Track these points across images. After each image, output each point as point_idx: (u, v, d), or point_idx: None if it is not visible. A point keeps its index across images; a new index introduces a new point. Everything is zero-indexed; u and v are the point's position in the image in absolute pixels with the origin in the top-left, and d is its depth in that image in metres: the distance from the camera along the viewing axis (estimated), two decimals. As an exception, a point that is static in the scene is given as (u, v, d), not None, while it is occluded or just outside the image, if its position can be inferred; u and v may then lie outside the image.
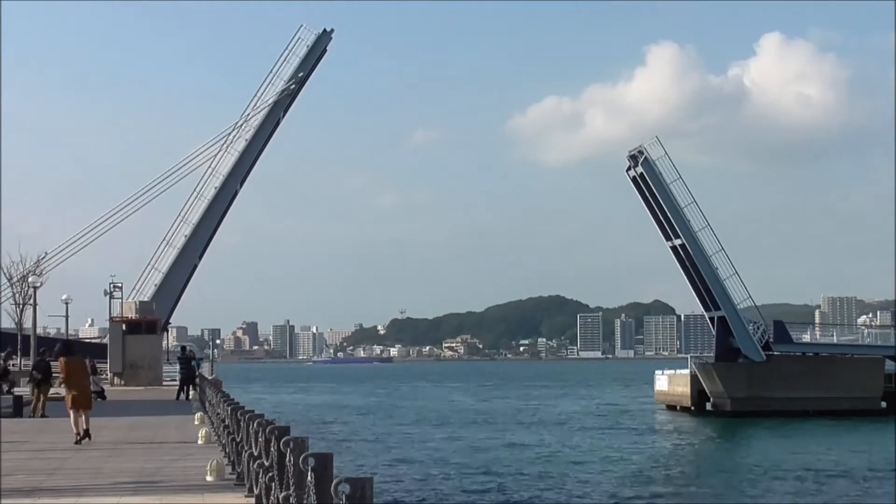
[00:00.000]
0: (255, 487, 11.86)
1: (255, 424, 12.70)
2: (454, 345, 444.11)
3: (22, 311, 61.57)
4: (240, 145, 68.49)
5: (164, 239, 67.19)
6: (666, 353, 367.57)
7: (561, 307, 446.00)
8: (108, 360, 60.31)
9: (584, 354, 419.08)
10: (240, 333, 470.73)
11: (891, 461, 40.95)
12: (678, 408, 71.74)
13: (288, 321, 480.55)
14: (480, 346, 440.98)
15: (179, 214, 67.26)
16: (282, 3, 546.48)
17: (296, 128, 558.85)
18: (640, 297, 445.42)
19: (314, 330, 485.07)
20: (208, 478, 15.08)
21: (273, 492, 10.04)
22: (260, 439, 11.81)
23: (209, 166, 67.64)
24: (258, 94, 68.80)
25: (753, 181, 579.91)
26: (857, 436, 53.88)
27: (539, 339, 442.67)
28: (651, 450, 48.75)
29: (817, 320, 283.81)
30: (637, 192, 69.20)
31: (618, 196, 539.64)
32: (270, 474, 10.34)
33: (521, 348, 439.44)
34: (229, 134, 68.44)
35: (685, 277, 70.58)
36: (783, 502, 32.47)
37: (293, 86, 69.12)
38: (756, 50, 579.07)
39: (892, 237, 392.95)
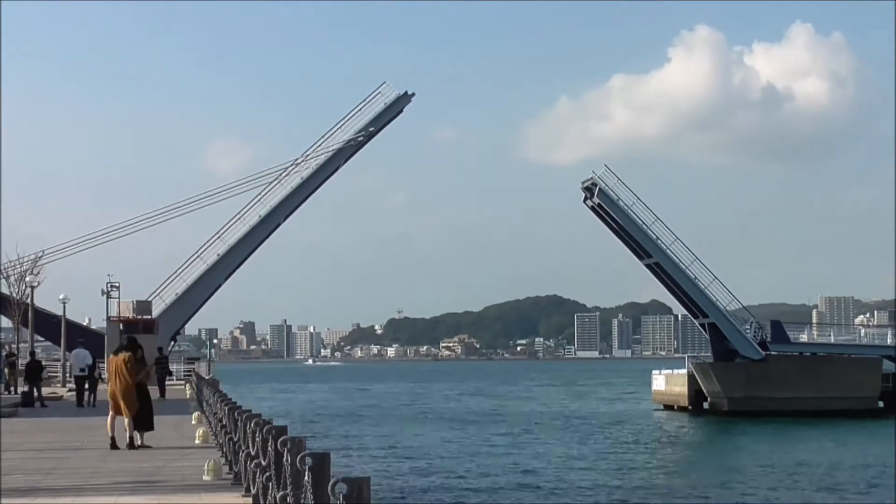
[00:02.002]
0: (252, 487, 11.87)
1: (252, 424, 12.71)
2: (451, 344, 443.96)
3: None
4: (294, 180, 68.52)
5: (196, 252, 67.56)
6: (663, 353, 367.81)
7: (558, 307, 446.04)
8: (106, 359, 60.31)
9: (581, 354, 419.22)
10: (237, 333, 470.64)
11: (889, 461, 40.97)
12: (675, 407, 71.82)
13: (285, 321, 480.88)
14: (478, 346, 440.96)
15: (218, 233, 67.63)
16: (284, 3, 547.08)
17: (298, 128, 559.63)
18: (638, 297, 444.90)
19: (311, 330, 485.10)
20: (205, 477, 15.09)
21: (270, 491, 10.05)
22: (257, 439, 11.82)
23: (259, 194, 67.90)
24: (325, 136, 68.92)
25: (753, 180, 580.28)
26: (855, 436, 53.92)
27: (536, 339, 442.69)
28: (647, 449, 48.76)
29: (815, 320, 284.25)
30: (599, 220, 69.10)
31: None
32: (267, 474, 10.35)
33: (519, 348, 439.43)
34: (286, 168, 68.69)
35: (668, 291, 71.06)
36: (781, 502, 32.49)
37: (361, 138, 69.02)
38: (762, 46, 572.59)
39: (891, 237, 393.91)
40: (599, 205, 66.89)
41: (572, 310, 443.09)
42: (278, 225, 69.15)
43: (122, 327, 59.64)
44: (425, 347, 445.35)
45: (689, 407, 69.36)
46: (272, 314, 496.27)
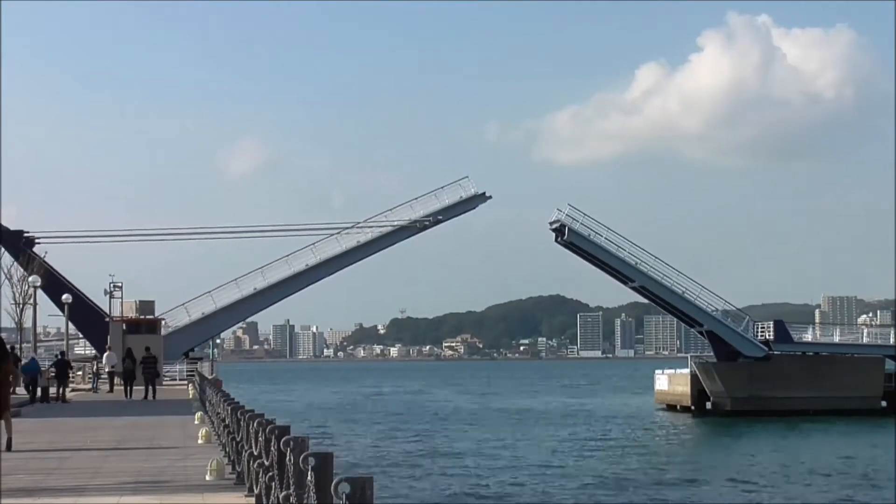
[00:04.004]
0: (255, 487, 11.86)
1: (255, 424, 12.70)
2: (454, 344, 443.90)
3: (22, 310, 61.64)
4: (349, 241, 68.43)
5: (235, 279, 68.05)
6: (666, 353, 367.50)
7: (561, 306, 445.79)
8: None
9: (584, 354, 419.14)
10: (240, 333, 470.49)
11: (891, 461, 40.95)
12: (678, 407, 71.80)
13: (288, 321, 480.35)
14: (480, 346, 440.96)
15: (261, 268, 68.01)
16: (289, 3, 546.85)
17: (310, 129, 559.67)
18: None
19: (314, 329, 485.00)
20: (208, 477, 15.08)
21: (273, 491, 10.04)
22: (260, 439, 11.80)
23: (312, 244, 67.98)
24: (393, 209, 69.02)
25: (756, 179, 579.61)
26: (858, 435, 53.93)
27: (539, 339, 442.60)
28: (650, 449, 48.74)
29: (818, 320, 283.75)
30: (575, 255, 69.21)
31: (618, 192, 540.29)
32: (270, 474, 10.34)
33: (522, 348, 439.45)
34: (346, 228, 68.89)
35: (660, 309, 71.40)
36: (783, 502, 32.47)
37: (427, 223, 68.80)
38: (786, 41, 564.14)
39: (893, 236, 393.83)
40: (571, 243, 67.04)
41: (575, 309, 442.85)
42: (321, 278, 69.42)
43: (124, 327, 59.79)
44: (428, 347, 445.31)
45: (692, 407, 69.32)
46: (275, 314, 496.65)
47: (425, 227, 68.70)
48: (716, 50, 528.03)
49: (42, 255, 63.73)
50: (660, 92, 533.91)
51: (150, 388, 43.41)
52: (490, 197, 70.31)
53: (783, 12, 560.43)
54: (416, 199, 69.06)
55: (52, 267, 63.12)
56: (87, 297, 63.95)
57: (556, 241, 67.95)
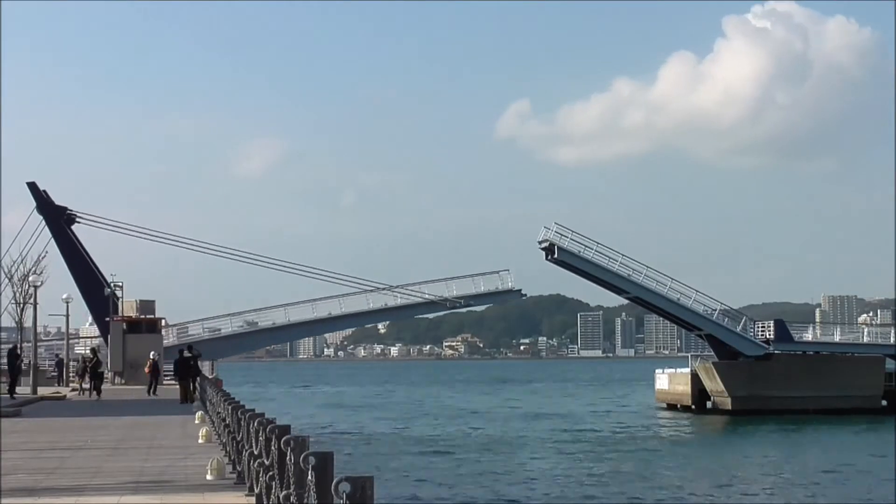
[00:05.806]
0: (255, 486, 11.87)
1: (255, 423, 12.71)
2: (455, 344, 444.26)
3: (23, 310, 61.60)
4: (378, 300, 68.63)
5: (260, 308, 69.31)
6: (666, 352, 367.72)
7: (561, 306, 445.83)
8: (109, 359, 60.50)
9: (584, 353, 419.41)
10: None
11: (891, 461, 40.94)
12: (679, 406, 71.84)
13: (289, 320, 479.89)
14: (481, 345, 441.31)
15: (286, 306, 68.91)
16: (297, 2, 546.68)
17: (318, 124, 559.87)
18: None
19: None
20: (209, 477, 15.09)
21: (273, 491, 10.05)
22: (260, 438, 11.81)
23: (340, 294, 68.46)
24: (427, 283, 69.17)
25: (755, 179, 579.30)
26: (858, 435, 53.93)
27: (539, 338, 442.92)
28: (650, 449, 48.73)
29: (818, 319, 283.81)
30: (567, 271, 69.37)
31: (617, 192, 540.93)
32: (271, 473, 10.35)
33: (522, 347, 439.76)
34: (378, 289, 69.03)
35: (657, 317, 71.71)
36: (783, 502, 32.47)
37: (458, 304, 69.00)
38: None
39: (893, 236, 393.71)
40: (562, 261, 67.19)
41: (575, 309, 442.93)
42: (341, 329, 70.09)
43: (125, 327, 59.77)
44: (428, 347, 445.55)
45: (693, 406, 69.40)
46: (276, 313, 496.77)
47: (454, 307, 69.24)
48: (738, 42, 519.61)
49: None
50: (683, 86, 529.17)
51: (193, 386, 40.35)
52: (525, 295, 70.53)
53: (808, 4, 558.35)
54: (453, 278, 69.67)
55: (83, 246, 63.58)
56: (108, 283, 63.99)
57: (546, 259, 68.15)
